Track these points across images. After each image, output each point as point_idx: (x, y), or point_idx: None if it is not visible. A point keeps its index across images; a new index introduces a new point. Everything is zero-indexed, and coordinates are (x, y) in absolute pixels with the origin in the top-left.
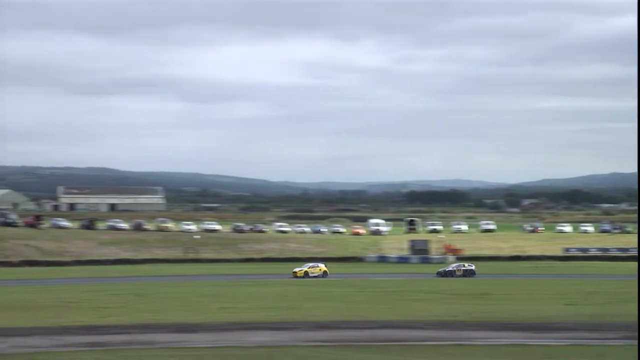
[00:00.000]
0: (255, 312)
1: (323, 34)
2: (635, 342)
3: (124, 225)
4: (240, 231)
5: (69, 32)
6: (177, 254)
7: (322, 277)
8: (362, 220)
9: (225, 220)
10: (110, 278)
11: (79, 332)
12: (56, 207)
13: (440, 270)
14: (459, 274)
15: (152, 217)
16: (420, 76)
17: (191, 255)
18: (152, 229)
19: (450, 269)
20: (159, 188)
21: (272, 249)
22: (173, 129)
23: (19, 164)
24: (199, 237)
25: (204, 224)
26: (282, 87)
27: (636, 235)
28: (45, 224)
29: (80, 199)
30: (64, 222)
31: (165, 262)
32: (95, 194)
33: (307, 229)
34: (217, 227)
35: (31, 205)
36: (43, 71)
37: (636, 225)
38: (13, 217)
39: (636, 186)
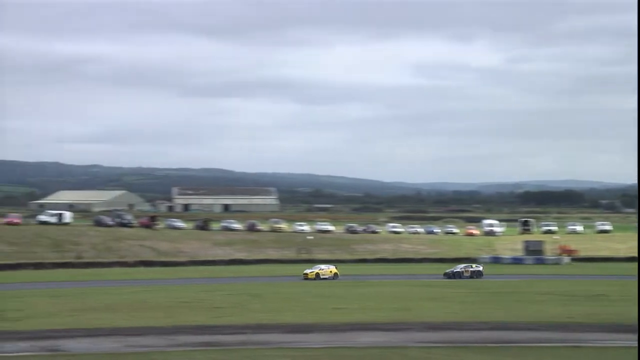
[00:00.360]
0: (367, 312)
1: (436, 34)
2: None
3: (237, 226)
4: (353, 232)
5: (184, 35)
6: (290, 254)
7: (333, 278)
8: (476, 220)
9: (338, 220)
10: (223, 278)
11: (192, 332)
12: (171, 208)
13: (447, 271)
14: (467, 275)
15: (265, 218)
16: (534, 75)
17: (304, 256)
18: (265, 229)
19: (458, 270)
20: (272, 189)
21: (385, 250)
22: (286, 130)
23: (134, 165)
24: (312, 237)
25: (317, 224)
26: (395, 87)
27: None
28: (160, 224)
29: (194, 200)
30: (179, 223)
31: (278, 262)
32: (210, 194)
33: (420, 230)
34: (330, 227)
35: (146, 206)
36: (158, 73)
37: None
38: (129, 217)
39: None
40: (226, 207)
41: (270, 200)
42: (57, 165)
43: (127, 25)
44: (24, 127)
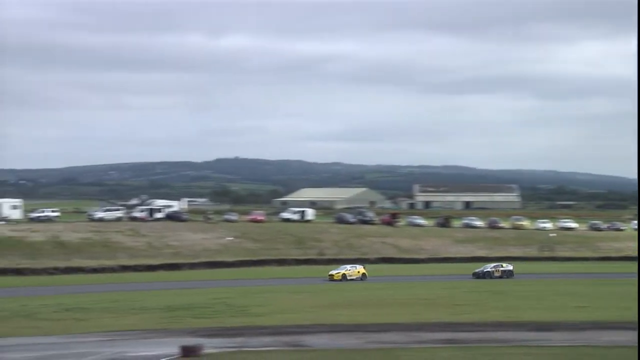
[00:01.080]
0: (611, 311)
1: None
2: None
3: (478, 223)
4: (597, 229)
5: (423, 32)
6: (532, 252)
7: (361, 280)
8: None
9: (581, 218)
10: (465, 275)
11: (434, 329)
12: (412, 205)
13: (476, 270)
14: (497, 275)
15: (507, 215)
16: None
17: (547, 254)
18: (506, 227)
19: (488, 269)
20: (514, 186)
21: (629, 248)
22: (527, 126)
23: (375, 163)
24: (554, 235)
25: (559, 222)
26: None
27: None
28: (401, 222)
29: (435, 197)
30: (420, 220)
31: (520, 260)
32: (451, 192)
33: None
34: (574, 225)
35: (387, 204)
36: (398, 71)
37: None
38: (370, 215)
39: None
40: (467, 205)
41: (512, 197)
42: (300, 164)
43: (368, 24)
44: (267, 127)
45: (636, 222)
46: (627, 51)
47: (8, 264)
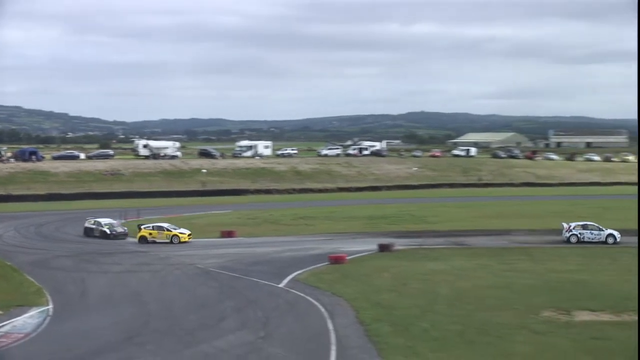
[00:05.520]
0: None
1: None
2: None
3: (596, 158)
4: None
5: (559, 18)
6: (634, 179)
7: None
8: None
9: None
10: (580, 196)
11: (557, 233)
12: (547, 145)
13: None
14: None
15: (617, 152)
16: None
17: None
18: (617, 160)
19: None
20: (623, 130)
21: None
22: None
23: (521, 114)
24: None
25: None
26: None
27: None
28: (540, 157)
29: (564, 139)
30: (553, 156)
31: (627, 184)
32: (576, 135)
33: None
34: None
35: (529, 144)
36: (538, 48)
37: None
38: (517, 152)
39: None
40: (588, 144)
41: (621, 139)
42: (466, 115)
43: (517, 13)
44: (444, 89)
45: None
46: None
47: (261, 186)
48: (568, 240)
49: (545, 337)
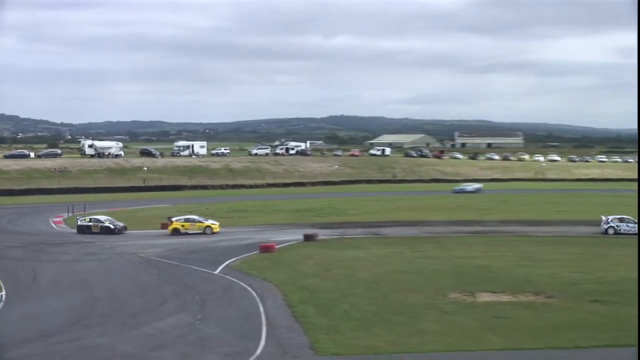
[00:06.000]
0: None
1: None
2: None
3: (496, 157)
4: (572, 161)
5: (464, 33)
6: (529, 175)
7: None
8: None
9: (562, 154)
10: (501, 190)
11: (464, 224)
12: (453, 146)
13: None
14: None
15: (514, 152)
16: None
17: (539, 177)
18: (514, 159)
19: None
20: (519, 133)
21: (594, 173)
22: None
23: (430, 118)
24: (545, 165)
25: (548, 156)
26: None
27: None
28: (446, 156)
29: (468, 140)
30: (458, 155)
31: (521, 180)
32: (478, 137)
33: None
34: (557, 158)
35: (437, 144)
36: (445, 59)
37: None
38: (426, 152)
39: None
40: (489, 145)
41: (518, 140)
42: (382, 119)
43: (426, 28)
44: (361, 95)
45: (601, 157)
46: (594, 44)
47: (197, 183)
48: (606, 232)
49: (452, 316)
